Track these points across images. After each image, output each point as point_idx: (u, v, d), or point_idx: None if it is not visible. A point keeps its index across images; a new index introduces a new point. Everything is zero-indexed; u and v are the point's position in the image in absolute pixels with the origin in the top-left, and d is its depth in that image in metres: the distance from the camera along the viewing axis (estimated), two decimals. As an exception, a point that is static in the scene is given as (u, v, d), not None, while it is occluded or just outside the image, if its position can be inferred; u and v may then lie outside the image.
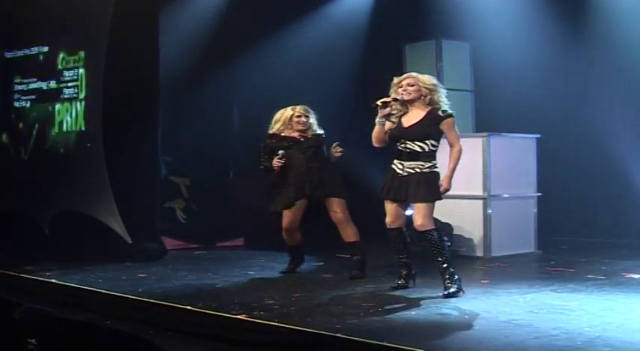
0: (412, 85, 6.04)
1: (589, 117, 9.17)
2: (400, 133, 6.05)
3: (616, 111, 9.03)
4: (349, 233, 6.90)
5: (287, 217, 7.01)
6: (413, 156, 5.98)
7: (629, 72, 8.99)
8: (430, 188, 5.94)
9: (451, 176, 5.98)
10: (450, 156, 6.05)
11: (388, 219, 6.14)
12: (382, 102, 6.06)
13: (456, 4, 9.53)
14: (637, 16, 8.86)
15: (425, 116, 6.02)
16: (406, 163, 5.99)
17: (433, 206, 6.01)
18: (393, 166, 6.08)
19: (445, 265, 5.95)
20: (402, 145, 6.03)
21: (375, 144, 6.23)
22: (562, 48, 9.34)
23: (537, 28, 9.44)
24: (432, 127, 5.99)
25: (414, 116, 6.06)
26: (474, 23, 9.44)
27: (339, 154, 6.89)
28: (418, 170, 5.95)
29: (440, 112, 5.99)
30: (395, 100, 6.07)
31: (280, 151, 7.03)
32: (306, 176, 6.93)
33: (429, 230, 5.95)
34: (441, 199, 6.05)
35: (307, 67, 10.21)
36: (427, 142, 5.97)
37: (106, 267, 7.68)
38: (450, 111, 6.01)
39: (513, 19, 9.46)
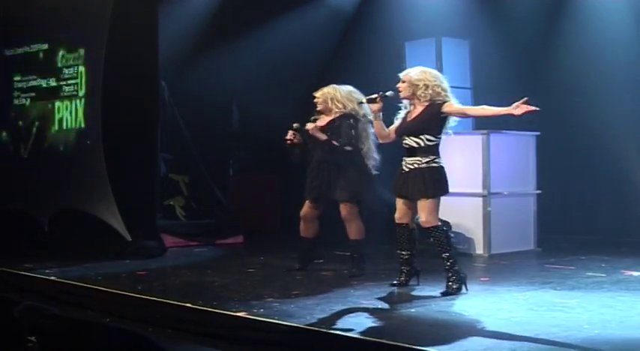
0: (404, 82, 6.08)
1: (589, 114, 9.15)
2: (402, 130, 6.10)
3: (616, 108, 9.00)
4: (353, 231, 6.85)
5: (305, 206, 6.96)
6: (411, 152, 6.00)
7: (629, 68, 8.97)
8: (429, 184, 5.92)
9: (498, 112, 5.79)
10: (484, 111, 5.96)
11: (396, 214, 6.17)
12: (367, 99, 6.19)
13: (455, 1, 9.52)
14: (635, 12, 8.85)
15: (422, 111, 6.02)
16: (407, 160, 6.02)
17: (437, 202, 5.97)
18: (402, 163, 6.11)
19: (450, 262, 5.93)
20: (404, 142, 6.06)
21: (380, 140, 6.33)
22: (562, 44, 9.32)
23: (536, 24, 9.42)
24: (428, 122, 5.96)
25: (414, 112, 6.08)
26: (474, 21, 9.43)
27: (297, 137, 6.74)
28: (416, 166, 5.96)
29: (437, 102, 5.97)
30: (383, 95, 6.09)
31: (295, 125, 6.93)
32: (314, 176, 6.84)
33: (433, 227, 5.94)
34: (443, 194, 6.00)
35: (307, 63, 10.21)
36: (422, 137, 5.94)
37: (105, 264, 7.68)
38: (446, 98, 5.96)
39: (512, 16, 9.45)
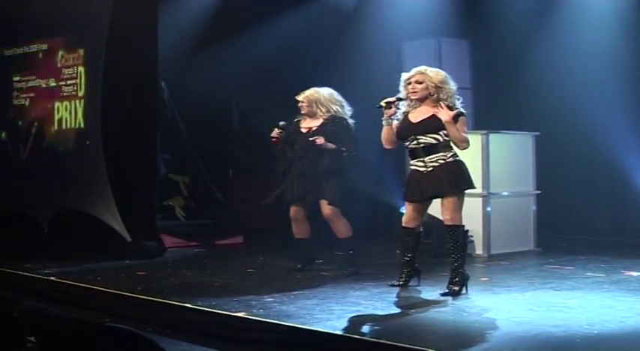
0: (420, 83, 5.89)
1: (588, 114, 9.14)
2: (409, 130, 5.92)
3: (615, 109, 9.01)
4: (341, 229, 6.84)
5: (292, 206, 6.96)
6: (430, 149, 5.83)
7: (627, 69, 8.97)
8: (457, 179, 5.80)
9: (450, 122, 5.75)
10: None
11: (404, 219, 6.09)
12: (386, 102, 5.96)
13: (455, 1, 9.52)
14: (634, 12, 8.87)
15: (433, 109, 5.88)
16: (427, 158, 5.84)
17: (463, 199, 5.87)
18: (413, 167, 5.94)
19: (457, 264, 5.85)
20: (415, 142, 5.88)
21: (386, 145, 6.11)
22: (561, 44, 9.33)
23: (536, 24, 9.43)
24: (439, 120, 5.81)
25: (423, 112, 5.91)
26: (473, 21, 9.43)
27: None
28: (442, 161, 5.81)
29: (453, 109, 5.83)
30: (399, 99, 5.97)
31: (282, 123, 6.90)
32: (300, 179, 6.83)
33: (456, 225, 5.84)
34: (471, 187, 5.93)
35: (306, 63, 10.20)
36: (440, 133, 5.81)
37: (105, 265, 7.68)
38: (462, 109, 5.86)
39: (512, 16, 9.45)
